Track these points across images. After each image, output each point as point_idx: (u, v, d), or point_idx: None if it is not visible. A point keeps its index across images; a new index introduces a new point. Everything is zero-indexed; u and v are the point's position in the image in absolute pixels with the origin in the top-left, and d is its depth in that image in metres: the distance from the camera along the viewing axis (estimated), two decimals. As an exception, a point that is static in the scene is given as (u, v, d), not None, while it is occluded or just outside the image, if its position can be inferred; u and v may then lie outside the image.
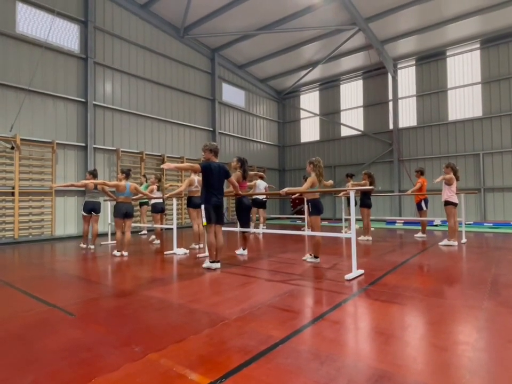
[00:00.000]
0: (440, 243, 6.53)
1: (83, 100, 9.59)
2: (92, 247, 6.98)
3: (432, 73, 13.21)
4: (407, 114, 13.93)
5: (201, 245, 6.50)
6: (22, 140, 8.28)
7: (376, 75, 14.42)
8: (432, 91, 13.14)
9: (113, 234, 7.65)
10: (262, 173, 9.34)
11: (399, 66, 13.95)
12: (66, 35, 9.44)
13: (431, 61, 13.21)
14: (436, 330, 2.41)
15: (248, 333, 2.34)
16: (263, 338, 2.23)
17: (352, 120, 15.28)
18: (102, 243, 7.48)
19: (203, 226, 4.90)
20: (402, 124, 13.97)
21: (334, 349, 2.10)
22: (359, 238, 7.28)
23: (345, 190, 5.06)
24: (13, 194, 8.16)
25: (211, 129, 13.61)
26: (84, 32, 9.73)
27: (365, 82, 14.94)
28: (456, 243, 6.43)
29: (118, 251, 6.00)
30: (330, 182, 6.00)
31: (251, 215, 9.59)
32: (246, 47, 13.35)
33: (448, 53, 12.85)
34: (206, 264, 4.76)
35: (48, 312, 2.90)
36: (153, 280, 4.13)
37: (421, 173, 8.19)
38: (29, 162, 8.58)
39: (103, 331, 2.46)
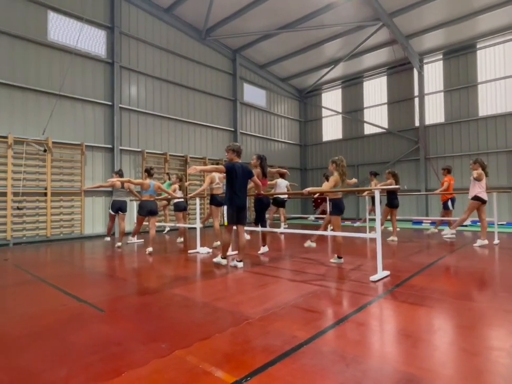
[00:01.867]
0: (474, 244, 6.28)
1: (110, 103, 9.92)
2: (119, 244, 7.21)
3: (461, 67, 12.69)
4: (434, 111, 13.46)
5: (219, 243, 6.60)
6: (53, 142, 8.67)
7: (401, 71, 14.02)
8: (461, 86, 12.62)
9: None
10: (285, 170, 9.19)
11: (425, 61, 13.50)
12: (93, 41, 9.79)
13: (459, 55, 12.69)
14: (467, 334, 2.32)
15: (272, 332, 2.35)
16: (287, 339, 2.23)
17: (376, 117, 14.94)
18: (128, 241, 7.71)
19: (224, 225, 5.01)
20: (429, 120, 13.51)
21: (360, 351, 2.07)
22: (388, 239, 7.13)
23: (370, 190, 4.94)
24: (45, 194, 8.56)
25: (232, 129, 13.71)
26: (110, 38, 10.05)
27: (389, 79, 14.56)
28: (486, 242, 6.18)
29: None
30: (354, 180, 5.91)
31: (268, 214, 9.64)
32: (267, 46, 13.35)
33: (478, 46, 12.30)
34: (217, 259, 4.90)
35: (80, 308, 3.03)
36: (177, 278, 4.21)
37: (447, 171, 7.90)
38: (60, 164, 8.96)
39: (131, 327, 2.54)
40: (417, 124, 13.59)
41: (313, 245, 6.37)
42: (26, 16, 8.47)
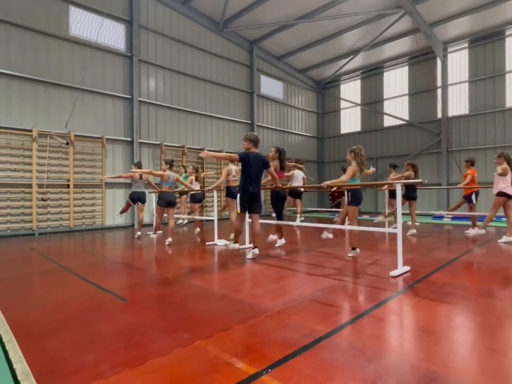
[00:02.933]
0: (499, 240, 6.07)
1: (129, 96, 10.06)
2: (139, 233, 7.39)
3: (487, 56, 12.15)
4: (457, 102, 12.99)
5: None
6: (75, 135, 8.90)
7: (423, 60, 13.56)
8: (488, 75, 12.10)
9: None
10: (301, 165, 9.18)
11: (449, 50, 13.00)
12: (113, 35, 9.91)
13: (486, 43, 12.14)
14: (492, 333, 2.26)
15: (292, 325, 2.36)
16: (307, 332, 2.23)
17: (397, 109, 14.56)
18: (147, 233, 7.87)
19: (237, 213, 5.13)
20: (452, 112, 13.06)
21: (381, 347, 2.05)
22: (407, 234, 6.99)
23: (391, 183, 4.84)
24: (68, 186, 8.83)
25: (249, 122, 13.67)
26: (129, 31, 10.15)
27: (410, 69, 14.12)
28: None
29: (154, 233, 7.14)
30: (372, 169, 5.78)
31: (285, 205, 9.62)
32: (284, 37, 13.16)
33: (507, 33, 11.73)
34: (231, 245, 5.31)
35: (103, 297, 3.13)
36: (196, 269, 4.28)
37: (471, 163, 7.64)
38: (82, 156, 9.20)
39: (153, 317, 2.60)
40: (439, 115, 13.17)
41: (330, 236, 6.31)
42: (49, 11, 8.65)
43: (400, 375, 1.70)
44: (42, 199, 8.38)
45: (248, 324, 2.40)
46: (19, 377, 1.73)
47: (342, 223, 6.05)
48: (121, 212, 7.94)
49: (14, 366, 1.84)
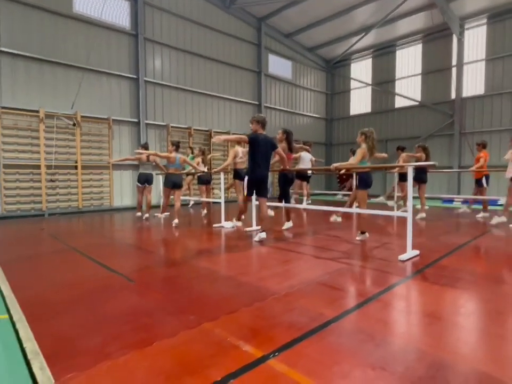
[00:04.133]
0: (511, 225, 5.93)
1: (135, 76, 9.90)
2: (147, 215, 7.42)
3: (507, 33, 11.57)
4: (472, 82, 12.52)
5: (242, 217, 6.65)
6: (82, 116, 8.84)
7: (438, 38, 13.01)
8: (506, 53, 11.56)
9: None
10: (307, 147, 9.03)
11: (466, 26, 12.41)
12: (118, 12, 9.66)
13: (506, 18, 11.54)
14: (504, 320, 2.21)
15: (299, 309, 2.35)
16: (314, 316, 2.21)
17: (409, 89, 14.12)
18: (155, 214, 7.91)
19: (244, 196, 5.15)
20: (467, 92, 12.61)
21: (389, 332, 2.03)
22: (416, 217, 6.89)
23: (402, 166, 4.72)
24: (76, 167, 8.86)
25: (257, 103, 13.43)
26: (134, 8, 9.87)
27: (424, 47, 13.58)
28: None
29: (161, 214, 7.18)
30: (384, 155, 5.64)
31: (299, 190, 9.54)
32: (293, 14, 12.68)
33: (529, 8, 11.13)
34: (233, 223, 5.43)
35: (111, 278, 3.15)
36: (202, 251, 4.29)
37: (483, 146, 7.42)
38: (89, 138, 9.17)
39: (160, 298, 2.61)
40: (453, 96, 12.75)
41: (339, 219, 6.25)
42: (52, -13, 8.42)
43: (409, 362, 1.68)
44: (51, 180, 8.44)
45: (255, 307, 2.39)
46: (29, 356, 1.75)
47: (350, 206, 5.98)
48: (139, 206, 7.79)
49: (24, 345, 1.86)
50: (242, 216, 5.71)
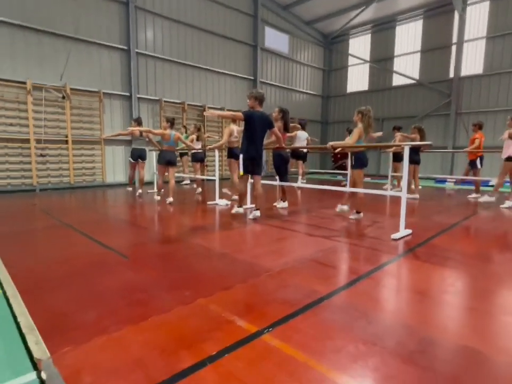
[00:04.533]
0: (501, 205, 6.02)
1: (126, 47, 9.53)
2: (140, 191, 7.35)
3: (510, 8, 11.28)
4: (472, 60, 12.33)
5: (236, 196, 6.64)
6: (71, 89, 8.55)
7: (439, 14, 12.67)
8: (508, 31, 11.32)
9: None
10: (299, 125, 8.88)
11: (469, 1, 12.06)
12: (106, -23, 9.14)
13: (510, -6, 11.24)
14: (490, 297, 2.27)
15: (292, 285, 2.38)
16: (308, 292, 2.24)
17: (407, 67, 13.88)
18: (148, 191, 7.85)
19: (239, 176, 5.02)
20: (465, 71, 12.45)
21: (381, 309, 2.07)
22: (409, 197, 6.92)
23: (398, 145, 4.69)
24: (66, 142, 8.66)
25: (252, 78, 13.11)
26: (124, -27, 9.36)
27: (425, 23, 13.23)
28: None
29: (157, 194, 6.84)
30: (379, 133, 5.57)
31: (289, 167, 9.47)
32: (292, -16, 12.18)
33: (533, -17, 10.83)
34: (235, 210, 5.07)
35: (105, 254, 3.14)
36: (197, 228, 4.29)
37: (479, 127, 7.40)
38: (79, 111, 8.92)
39: (154, 274, 2.62)
40: (451, 75, 12.59)
41: (345, 208, 5.90)
42: None
43: (400, 337, 1.72)
44: (41, 155, 8.26)
45: (249, 283, 2.41)
46: (24, 330, 1.75)
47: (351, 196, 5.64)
48: (130, 181, 7.93)
49: (18, 320, 1.86)
50: (245, 200, 5.42)
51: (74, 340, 1.67)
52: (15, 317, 1.91)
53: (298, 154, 9.11)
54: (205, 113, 4.70)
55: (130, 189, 7.71)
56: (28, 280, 2.48)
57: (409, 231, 3.93)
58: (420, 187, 7.70)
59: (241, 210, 5.09)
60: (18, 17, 7.71)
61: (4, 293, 2.25)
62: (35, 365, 1.49)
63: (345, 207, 5.89)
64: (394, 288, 2.45)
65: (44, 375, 1.41)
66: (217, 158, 6.46)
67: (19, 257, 3.10)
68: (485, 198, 6.57)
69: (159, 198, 6.66)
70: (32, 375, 1.44)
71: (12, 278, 2.48)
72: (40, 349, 1.59)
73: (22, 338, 1.71)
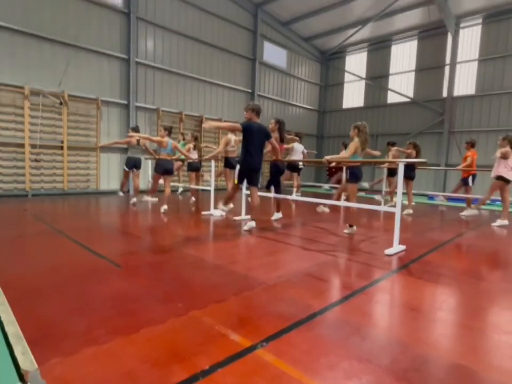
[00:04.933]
0: (493, 224, 6.09)
1: (126, 56, 9.61)
2: (134, 200, 7.25)
3: (500, 34, 11.67)
4: (464, 81, 12.65)
5: (232, 206, 6.62)
6: (69, 95, 8.55)
7: (433, 35, 13.05)
8: (499, 54, 11.69)
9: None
10: (297, 138, 8.98)
11: (462, 25, 12.47)
12: (109, -12, 9.28)
13: (501, 19, 11.62)
14: (483, 315, 2.28)
15: (287, 299, 2.36)
16: (302, 307, 2.23)
17: (402, 85, 14.18)
18: (142, 199, 7.79)
19: (234, 184, 5.03)
20: (458, 91, 12.76)
21: (375, 325, 2.06)
22: (403, 213, 6.99)
23: (394, 161, 4.76)
24: (62, 148, 8.61)
25: (250, 90, 13.26)
26: (127, -15, 9.51)
27: (420, 43, 13.60)
28: (507, 222, 6.00)
29: (150, 196, 6.87)
30: (377, 152, 5.69)
31: (289, 181, 9.51)
32: (291, 1, 12.45)
33: (523, 10, 11.24)
34: (220, 207, 5.22)
35: (97, 262, 3.10)
36: (191, 238, 4.26)
37: (471, 145, 7.55)
38: (76, 118, 8.90)
39: (147, 284, 2.58)
40: (444, 94, 12.89)
41: (326, 210, 6.26)
42: (40, -44, 8.00)
43: (394, 354, 1.71)
44: (36, 160, 8.19)
45: (243, 296, 2.39)
46: (11, 340, 1.70)
47: (338, 199, 6.01)
48: (122, 189, 7.86)
49: (6, 329, 1.81)
50: (230, 203, 5.52)
51: (63, 350, 1.63)
52: (2, 326, 1.85)
53: (293, 167, 9.16)
54: (204, 125, 4.74)
55: (121, 194, 7.67)
56: (17, 288, 2.43)
57: (403, 246, 3.95)
58: (413, 203, 7.77)
59: (224, 208, 5.18)
60: (20, 23, 7.75)
61: (-8, 300, 2.19)
62: (21, 377, 1.45)
63: (327, 209, 6.01)
64: (388, 304, 2.44)
65: (30, 387, 1.37)
66: (213, 168, 6.47)
67: (8, 263, 3.03)
68: (468, 212, 6.78)
69: (150, 199, 6.63)
70: (19, 387, 1.39)
71: (1, 285, 2.42)
72: (27, 360, 1.54)
73: (8, 348, 1.66)
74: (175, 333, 1.83)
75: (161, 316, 2.02)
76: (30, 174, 8.11)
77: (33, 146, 8.10)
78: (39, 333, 1.80)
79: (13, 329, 1.81)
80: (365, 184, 8.73)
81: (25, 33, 7.86)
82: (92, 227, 4.93)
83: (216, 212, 6.12)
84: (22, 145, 7.97)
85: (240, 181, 4.94)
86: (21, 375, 1.46)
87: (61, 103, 8.42)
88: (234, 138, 6.49)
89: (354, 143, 4.61)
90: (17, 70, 7.86)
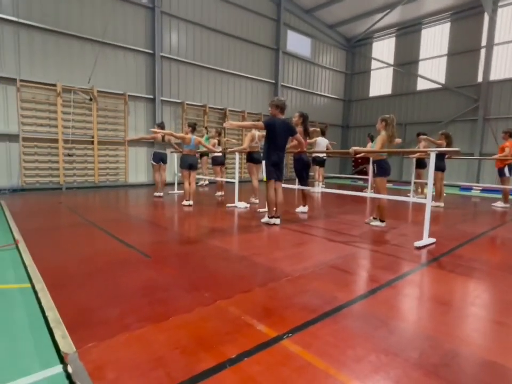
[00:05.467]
0: None
1: (151, 51, 9.77)
2: (161, 193, 7.43)
3: (543, 12, 10.81)
4: (502, 64, 11.87)
5: (257, 200, 6.60)
6: (98, 91, 8.84)
7: (468, 16, 12.30)
8: (541, 34, 10.86)
9: (179, 184, 8.09)
10: (318, 129, 8.84)
11: (500, 3, 11.65)
12: (134, -17, 9.42)
13: (544, -4, 10.78)
14: (522, 312, 2.17)
15: (312, 291, 2.36)
16: (328, 299, 2.22)
17: (432, 71, 13.53)
18: (169, 192, 7.99)
19: (265, 182, 4.88)
20: (495, 75, 12.00)
21: (403, 319, 2.02)
22: (433, 205, 6.74)
23: (424, 151, 4.58)
24: (92, 143, 8.95)
25: (273, 81, 13.13)
26: (151, -21, 9.62)
27: (453, 26, 12.87)
28: None
29: (186, 200, 6.33)
30: (398, 140, 5.44)
31: (310, 173, 9.38)
32: (315, -12, 12.14)
33: None
34: (265, 219, 4.80)
35: (128, 253, 3.22)
36: (216, 230, 4.33)
37: (509, 134, 7.10)
38: (105, 113, 9.20)
39: (175, 274, 2.66)
40: (479, 79, 12.17)
41: (305, 209, 5.80)
42: (68, -44, 8.24)
43: (423, 349, 1.68)
44: (68, 155, 8.58)
45: (269, 287, 2.41)
46: (51, 324, 1.82)
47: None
48: (157, 187, 7.51)
49: (46, 314, 1.94)
50: (274, 209, 4.82)
51: (99, 335, 1.73)
52: (43, 311, 1.98)
53: (317, 160, 9.04)
54: (224, 125, 4.66)
55: (157, 194, 7.51)
56: (55, 275, 2.58)
57: (433, 239, 3.82)
58: (445, 194, 7.47)
59: (272, 221, 4.72)
60: (51, 23, 8.06)
61: (33, 286, 2.34)
62: (62, 358, 1.55)
63: (305, 208, 5.63)
64: (417, 298, 2.38)
65: (70, 369, 1.46)
66: (237, 161, 6.51)
67: (47, 252, 3.22)
68: (500, 204, 6.60)
69: (188, 203, 6.35)
70: (59, 368, 1.49)
71: (40, 272, 2.58)
72: (66, 343, 1.64)
73: (49, 332, 1.77)
74: (202, 322, 1.88)
75: (189, 304, 2.08)
76: (63, 168, 8.51)
77: (66, 141, 8.47)
78: (76, 318, 1.90)
79: (52, 314, 1.93)
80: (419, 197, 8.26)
81: (56, 32, 8.17)
82: (122, 219, 5.12)
83: (241, 204, 6.17)
84: (56, 141, 8.35)
85: (271, 177, 4.71)
86: (61, 357, 1.56)
87: (90, 99, 8.72)
88: (258, 134, 6.50)
89: (382, 137, 4.47)
90: (49, 68, 8.20)
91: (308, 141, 6.47)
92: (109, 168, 9.40)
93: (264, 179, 4.74)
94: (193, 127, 6.44)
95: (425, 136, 7.72)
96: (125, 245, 3.48)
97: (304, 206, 5.80)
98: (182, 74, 10.64)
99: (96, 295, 2.24)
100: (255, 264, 2.96)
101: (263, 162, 4.70)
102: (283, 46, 13.14)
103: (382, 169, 4.60)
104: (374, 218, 4.84)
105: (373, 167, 4.73)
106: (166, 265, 2.91)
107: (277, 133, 4.58)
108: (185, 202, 6.31)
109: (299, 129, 5.41)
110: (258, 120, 10.92)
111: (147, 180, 10.07)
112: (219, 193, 7.98)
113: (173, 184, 8.65)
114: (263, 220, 4.84)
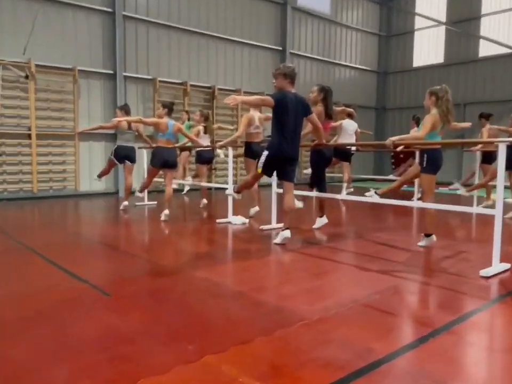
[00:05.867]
0: None
1: (110, 9, 9.89)
2: (125, 203, 7.42)
3: None
4: None
5: (257, 208, 6.62)
6: (36, 66, 8.91)
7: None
8: None
9: (150, 193, 8.12)
10: (351, 109, 8.83)
11: None
12: None
13: None
14: None
15: (338, 341, 2.35)
16: (360, 352, 2.21)
17: (501, 30, 13.68)
18: (136, 203, 8.00)
19: (256, 172, 4.87)
20: None
21: (467, 380, 2.01)
22: (505, 216, 6.75)
23: (489, 142, 4.60)
24: (29, 136, 9.00)
25: (280, 48, 13.27)
26: None
27: (526, -32, 13.03)
28: None
29: (139, 192, 7.00)
30: (467, 124, 5.44)
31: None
32: None
33: None
34: (279, 238, 4.76)
35: (79, 289, 3.22)
36: (202, 256, 4.35)
37: None
38: (47, 95, 9.29)
39: (146, 319, 2.66)
40: None
41: (300, 204, 5.89)
42: None
43: (496, 420, 1.67)
44: (-4, 154, 8.64)
45: (277, 336, 2.40)
46: (-28, 392, 1.82)
47: (401, 185, 5.43)
48: (101, 176, 7.87)
49: (-35, 377, 1.93)
50: (255, 206, 5.36)
51: (39, 407, 1.72)
52: (-39, 373, 1.98)
53: (342, 153, 9.03)
54: (225, 101, 4.61)
55: (140, 194, 7.62)
56: (-23, 324, 2.58)
57: (507, 265, 3.82)
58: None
59: (236, 195, 5.20)
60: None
61: None
62: None
63: (301, 204, 5.74)
64: (487, 348, 2.38)
65: None
66: (230, 158, 6.53)
67: (-34, 291, 3.22)
68: None
69: (140, 195, 6.70)
70: None
71: (-44, 319, 2.59)
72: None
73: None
74: (184, 386, 1.88)
75: (165, 362, 2.07)
76: (-11, 172, 8.57)
77: (-8, 135, 8.54)
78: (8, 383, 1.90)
79: (-26, 378, 1.92)
80: (456, 185, 8.32)
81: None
82: (71, 242, 5.14)
83: (237, 220, 6.17)
84: (-22, 135, 8.43)
85: (268, 172, 4.88)
86: None
87: (26, 77, 8.79)
88: (259, 116, 6.48)
89: (431, 116, 4.50)
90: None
91: (332, 124, 6.49)
92: (52, 172, 9.45)
93: (258, 170, 4.72)
94: (169, 108, 6.45)
95: (490, 127, 7.72)
96: (74, 278, 3.48)
97: (321, 217, 5.76)
98: (153, 40, 10.74)
99: (36, 350, 2.23)
100: (257, 303, 2.96)
101: (265, 151, 4.69)
102: (292, -1, 13.32)
103: (432, 161, 4.59)
104: (427, 235, 4.79)
105: (421, 159, 4.73)
106: (133, 306, 2.91)
107: (289, 112, 4.59)
108: (138, 194, 6.94)
109: (318, 109, 5.41)
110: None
111: (105, 188, 10.09)
112: (204, 201, 7.96)
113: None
114: (275, 241, 4.78)
